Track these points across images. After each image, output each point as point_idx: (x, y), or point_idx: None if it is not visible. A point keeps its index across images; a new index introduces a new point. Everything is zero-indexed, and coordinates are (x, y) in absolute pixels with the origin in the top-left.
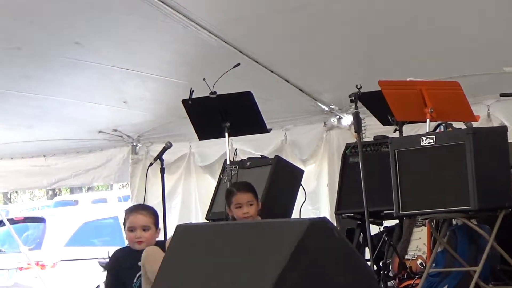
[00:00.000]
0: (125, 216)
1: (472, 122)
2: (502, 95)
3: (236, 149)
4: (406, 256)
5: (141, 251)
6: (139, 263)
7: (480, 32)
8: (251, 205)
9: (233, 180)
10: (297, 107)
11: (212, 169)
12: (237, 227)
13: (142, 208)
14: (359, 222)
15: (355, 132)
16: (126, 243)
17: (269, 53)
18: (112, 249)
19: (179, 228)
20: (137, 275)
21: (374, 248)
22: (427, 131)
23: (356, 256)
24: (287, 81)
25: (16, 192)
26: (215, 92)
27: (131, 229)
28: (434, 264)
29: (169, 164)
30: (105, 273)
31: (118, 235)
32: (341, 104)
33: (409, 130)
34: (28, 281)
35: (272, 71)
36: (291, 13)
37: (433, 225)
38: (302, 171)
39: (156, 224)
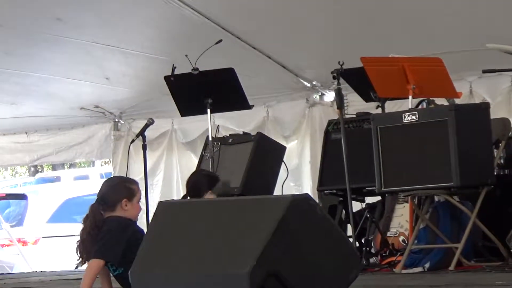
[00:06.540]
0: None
1: (455, 99)
2: (484, 71)
3: (218, 125)
4: (388, 233)
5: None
6: None
7: (462, 9)
8: None
9: (215, 157)
10: (279, 83)
11: (194, 146)
12: (220, 204)
13: None
14: (341, 198)
15: (337, 108)
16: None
17: (251, 30)
18: None
19: (161, 205)
20: None
21: (356, 224)
22: (410, 107)
23: (338, 233)
24: (270, 58)
25: None
26: (197, 69)
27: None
28: (416, 241)
29: (151, 141)
30: None
31: None
32: (323, 80)
33: (391, 106)
34: (9, 257)
35: (254, 48)
36: None
37: (415, 202)
38: (284, 148)
39: None
